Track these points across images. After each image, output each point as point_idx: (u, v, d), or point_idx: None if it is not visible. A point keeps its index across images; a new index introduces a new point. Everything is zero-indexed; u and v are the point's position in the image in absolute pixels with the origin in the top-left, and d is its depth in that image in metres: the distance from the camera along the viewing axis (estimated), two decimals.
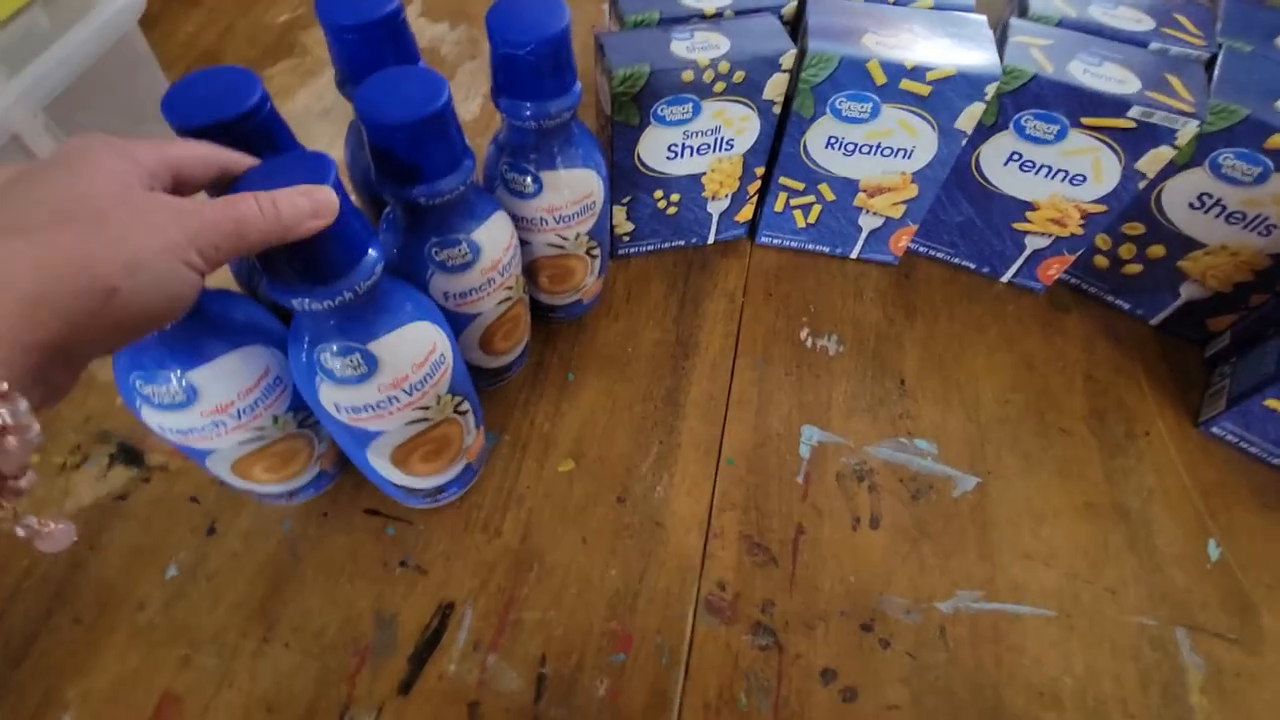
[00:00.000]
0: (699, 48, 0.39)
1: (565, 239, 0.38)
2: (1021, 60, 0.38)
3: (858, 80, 0.39)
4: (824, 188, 0.46)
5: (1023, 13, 0.42)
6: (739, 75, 0.39)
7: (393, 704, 0.33)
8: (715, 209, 0.48)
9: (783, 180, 0.46)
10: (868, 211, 0.47)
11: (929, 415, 0.43)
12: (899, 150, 0.42)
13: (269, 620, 0.35)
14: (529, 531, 0.38)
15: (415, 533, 0.38)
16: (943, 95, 0.39)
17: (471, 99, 0.60)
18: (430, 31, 0.66)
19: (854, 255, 0.51)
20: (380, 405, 0.29)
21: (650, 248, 0.50)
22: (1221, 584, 0.37)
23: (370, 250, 0.25)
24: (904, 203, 0.46)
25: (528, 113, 0.32)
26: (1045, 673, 0.34)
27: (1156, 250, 0.44)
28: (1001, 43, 0.40)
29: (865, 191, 0.45)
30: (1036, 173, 0.42)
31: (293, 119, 0.55)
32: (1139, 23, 0.41)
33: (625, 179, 0.44)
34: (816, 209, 0.47)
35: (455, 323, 0.31)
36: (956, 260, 0.50)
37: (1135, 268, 0.45)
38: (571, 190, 0.36)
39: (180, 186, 0.22)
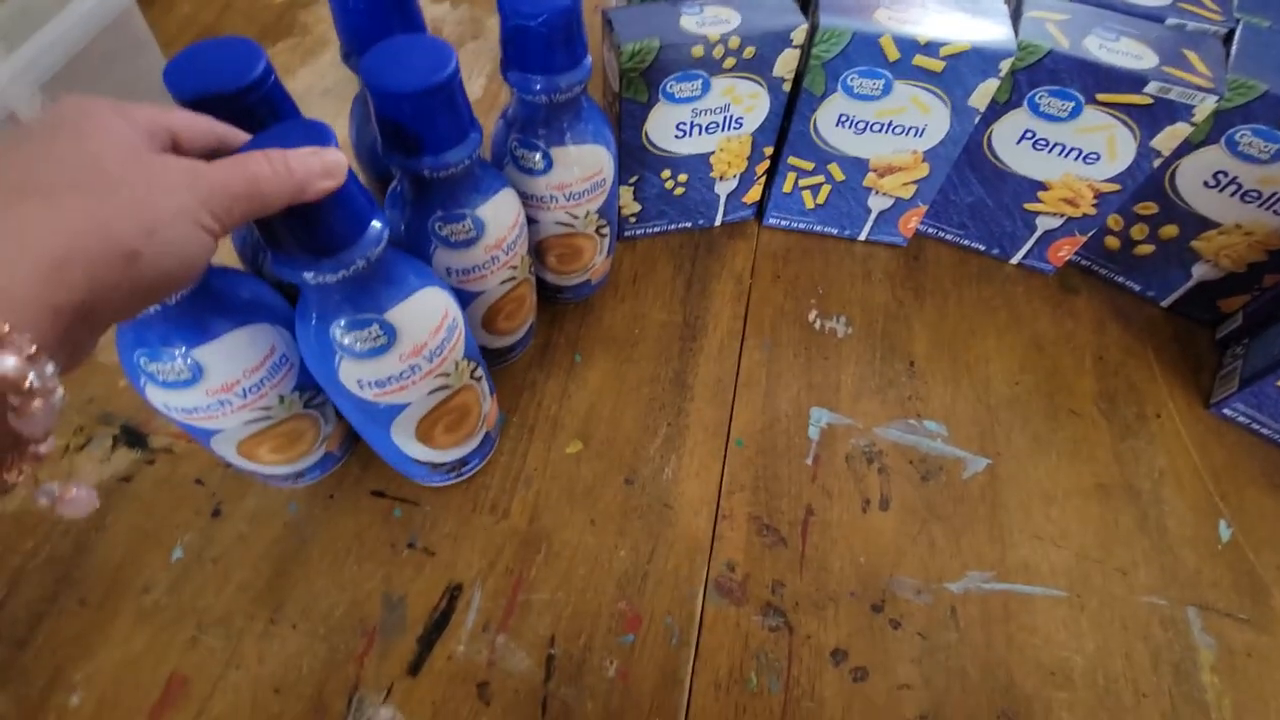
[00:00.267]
0: (709, 22, 0.38)
1: (575, 217, 0.38)
2: (1037, 35, 0.38)
3: (870, 56, 0.38)
4: (833, 168, 0.45)
5: None
6: (749, 51, 0.38)
7: (401, 685, 0.33)
8: (723, 190, 0.47)
9: (792, 160, 0.46)
10: (877, 192, 0.46)
11: (938, 397, 0.43)
12: (911, 128, 0.42)
13: (276, 602, 0.35)
14: (537, 513, 0.38)
15: (422, 514, 0.37)
16: (956, 71, 0.38)
17: (475, 79, 0.59)
18: (432, 11, 0.65)
19: (863, 237, 0.50)
20: (404, 375, 0.28)
21: (657, 229, 0.49)
22: (1233, 564, 0.37)
23: (376, 219, 0.25)
24: (915, 183, 0.45)
25: (538, 87, 0.32)
26: (1056, 652, 0.34)
27: (1169, 230, 0.43)
28: (1016, 17, 0.39)
29: (875, 171, 0.45)
30: (1050, 151, 0.41)
31: (294, 98, 0.54)
32: None
33: (632, 158, 0.43)
34: (825, 189, 0.47)
35: (459, 300, 0.30)
36: (966, 242, 0.50)
37: (1147, 248, 0.45)
38: (581, 167, 0.35)
39: (179, 153, 0.22)
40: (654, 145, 0.43)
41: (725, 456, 0.40)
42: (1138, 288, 0.47)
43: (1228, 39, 0.38)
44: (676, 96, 0.40)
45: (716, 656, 0.34)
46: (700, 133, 0.42)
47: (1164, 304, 0.47)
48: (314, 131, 0.23)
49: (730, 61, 0.39)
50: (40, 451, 0.18)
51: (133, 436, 0.39)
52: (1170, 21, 0.39)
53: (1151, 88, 0.36)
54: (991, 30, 0.38)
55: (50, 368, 0.16)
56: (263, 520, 0.37)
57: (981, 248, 0.49)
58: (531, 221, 0.38)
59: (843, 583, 0.36)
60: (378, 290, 0.27)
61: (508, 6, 0.29)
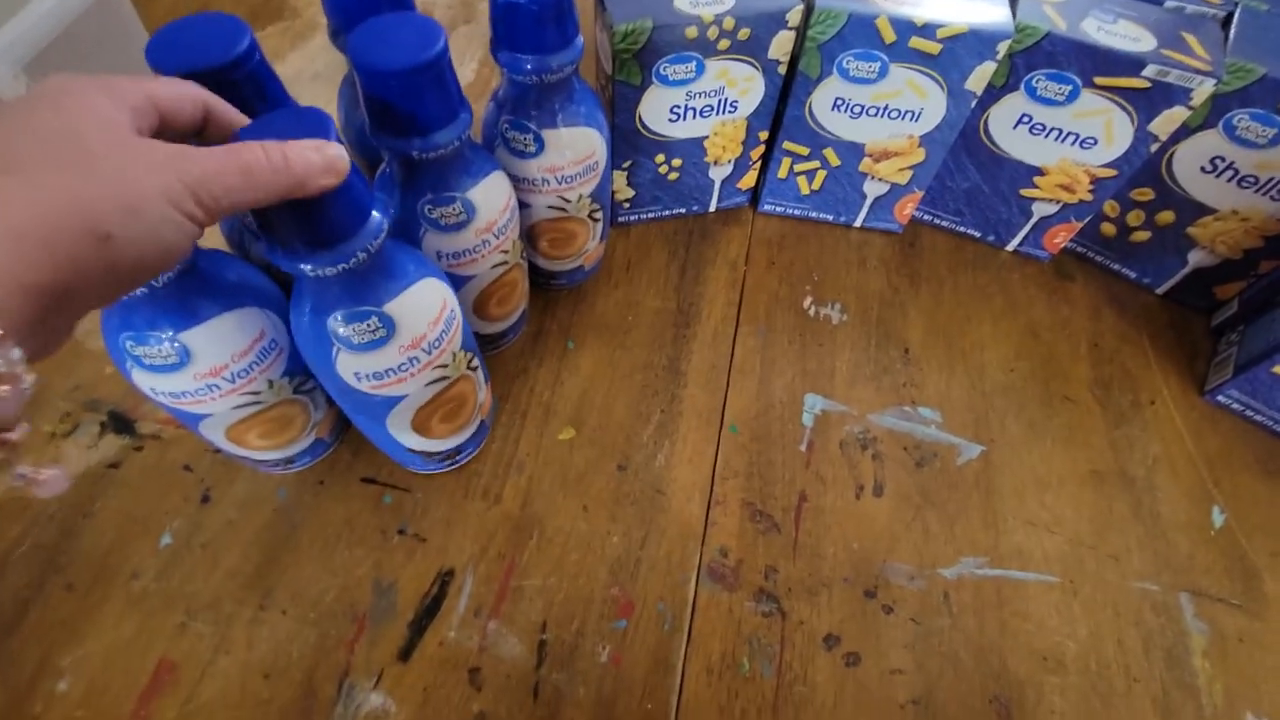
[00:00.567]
0: (703, 3, 0.37)
1: (567, 201, 0.37)
2: (1034, 17, 0.37)
3: (866, 38, 0.38)
4: (829, 152, 0.45)
5: None
6: (744, 32, 0.38)
7: (392, 670, 0.32)
8: (717, 175, 0.47)
9: (787, 145, 0.45)
10: (873, 177, 0.46)
11: (933, 383, 0.43)
12: (907, 112, 0.41)
13: (266, 588, 0.34)
14: (529, 499, 0.37)
15: (413, 500, 0.37)
16: (953, 54, 0.38)
17: (466, 63, 0.59)
18: None
19: (858, 224, 0.50)
20: (402, 368, 0.28)
21: (651, 215, 0.49)
22: (1225, 550, 0.37)
23: (375, 210, 0.25)
24: (910, 168, 0.45)
25: (528, 67, 0.31)
26: (1049, 638, 0.34)
27: (1165, 217, 0.43)
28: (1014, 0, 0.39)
29: (871, 156, 0.44)
30: (1046, 136, 0.41)
31: (285, 82, 0.53)
32: None
33: (626, 142, 0.43)
34: (821, 175, 0.47)
35: (449, 284, 0.30)
36: (962, 229, 0.49)
37: (1143, 235, 0.45)
38: (573, 149, 0.35)
39: (166, 127, 0.21)
40: (648, 129, 0.42)
41: (719, 443, 0.40)
42: (1133, 274, 0.47)
43: (1226, 22, 0.38)
44: (670, 79, 0.39)
45: (709, 642, 0.34)
46: (695, 116, 0.42)
47: (1159, 291, 0.47)
48: (313, 121, 0.22)
49: (725, 43, 0.38)
50: (12, 438, 0.17)
51: (120, 423, 0.39)
52: (1169, 4, 0.39)
53: (1149, 71, 0.36)
54: (989, 12, 0.37)
55: (17, 353, 0.16)
56: (252, 506, 0.37)
57: (977, 234, 0.49)
58: (523, 205, 0.37)
59: (836, 568, 0.36)
60: (376, 282, 0.26)
61: None
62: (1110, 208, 0.45)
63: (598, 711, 0.32)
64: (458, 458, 0.37)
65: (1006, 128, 0.42)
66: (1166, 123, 0.38)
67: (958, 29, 0.37)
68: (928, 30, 0.37)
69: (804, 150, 0.45)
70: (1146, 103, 0.38)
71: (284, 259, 0.23)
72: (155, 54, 0.24)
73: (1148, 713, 0.33)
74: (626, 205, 0.47)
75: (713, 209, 0.50)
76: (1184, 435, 0.41)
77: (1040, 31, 0.37)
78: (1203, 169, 0.40)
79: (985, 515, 0.38)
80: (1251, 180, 0.39)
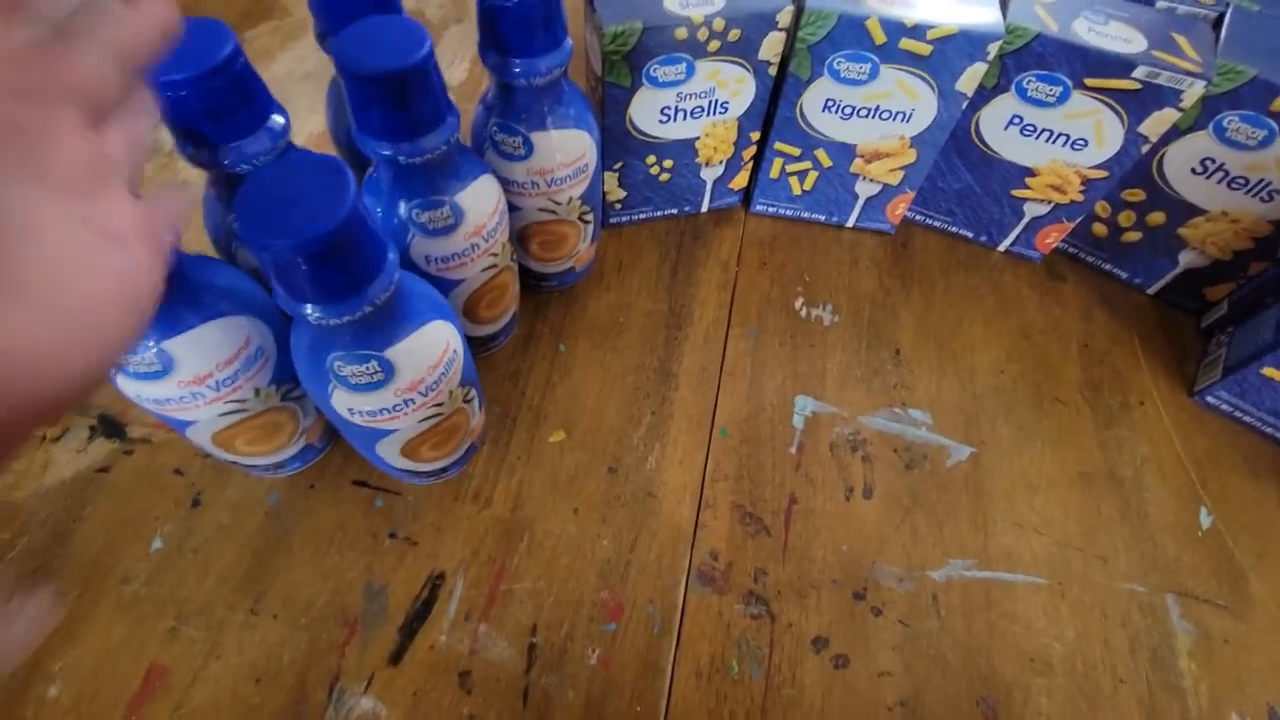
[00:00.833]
0: (693, 4, 0.37)
1: (557, 203, 0.37)
2: (1025, 18, 0.37)
3: (856, 39, 0.38)
4: (820, 153, 0.45)
5: None
6: (734, 33, 0.38)
7: (383, 674, 0.32)
8: (709, 175, 0.47)
9: (778, 145, 0.45)
10: (865, 178, 0.46)
11: (924, 385, 0.43)
12: (898, 113, 0.41)
13: (257, 592, 0.34)
14: (519, 502, 0.38)
15: (404, 504, 0.37)
16: (943, 55, 0.38)
17: (458, 64, 0.58)
18: None
19: (850, 224, 0.50)
20: (396, 408, 0.28)
21: (643, 216, 0.49)
22: (1212, 551, 0.37)
23: (389, 257, 0.24)
24: (902, 169, 0.45)
25: (517, 70, 0.31)
26: (1036, 639, 0.35)
27: (1156, 218, 0.43)
28: (1004, 0, 0.39)
29: (862, 157, 0.44)
30: (1037, 137, 0.41)
31: (274, 83, 0.53)
32: None
33: (617, 144, 0.43)
34: (813, 175, 0.46)
35: (438, 289, 0.30)
36: (954, 229, 0.49)
37: (1134, 235, 0.45)
38: (563, 152, 0.35)
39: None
40: (638, 130, 0.42)
41: (709, 445, 0.40)
42: (1124, 275, 0.47)
43: (1218, 23, 0.38)
44: (660, 80, 0.39)
45: (698, 644, 0.34)
46: (685, 117, 0.42)
47: (1150, 291, 0.47)
48: (328, 172, 0.22)
49: (715, 44, 0.38)
50: None
51: (110, 426, 0.39)
52: (1160, 5, 0.39)
53: (1140, 72, 0.36)
54: (979, 13, 0.37)
55: None
56: (243, 510, 0.37)
57: (969, 235, 0.49)
58: (513, 208, 0.37)
59: (825, 571, 0.36)
60: (382, 327, 0.26)
61: None
62: (1101, 208, 0.45)
63: (587, 714, 0.32)
64: (442, 475, 0.37)
65: (997, 129, 0.42)
66: (1157, 124, 0.38)
67: (948, 30, 0.37)
68: (918, 31, 0.37)
69: (795, 151, 0.45)
70: (1137, 104, 0.37)
71: (286, 302, 0.23)
72: None
73: (1133, 714, 0.33)
74: (618, 206, 0.47)
75: (705, 209, 0.50)
76: (1173, 436, 0.41)
77: (1031, 33, 0.37)
78: (1193, 170, 0.40)
79: (974, 517, 0.38)
80: (1241, 182, 0.39)
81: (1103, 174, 0.41)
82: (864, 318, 0.45)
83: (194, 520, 0.36)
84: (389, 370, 0.27)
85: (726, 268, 0.47)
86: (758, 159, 0.47)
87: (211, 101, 0.25)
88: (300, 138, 0.51)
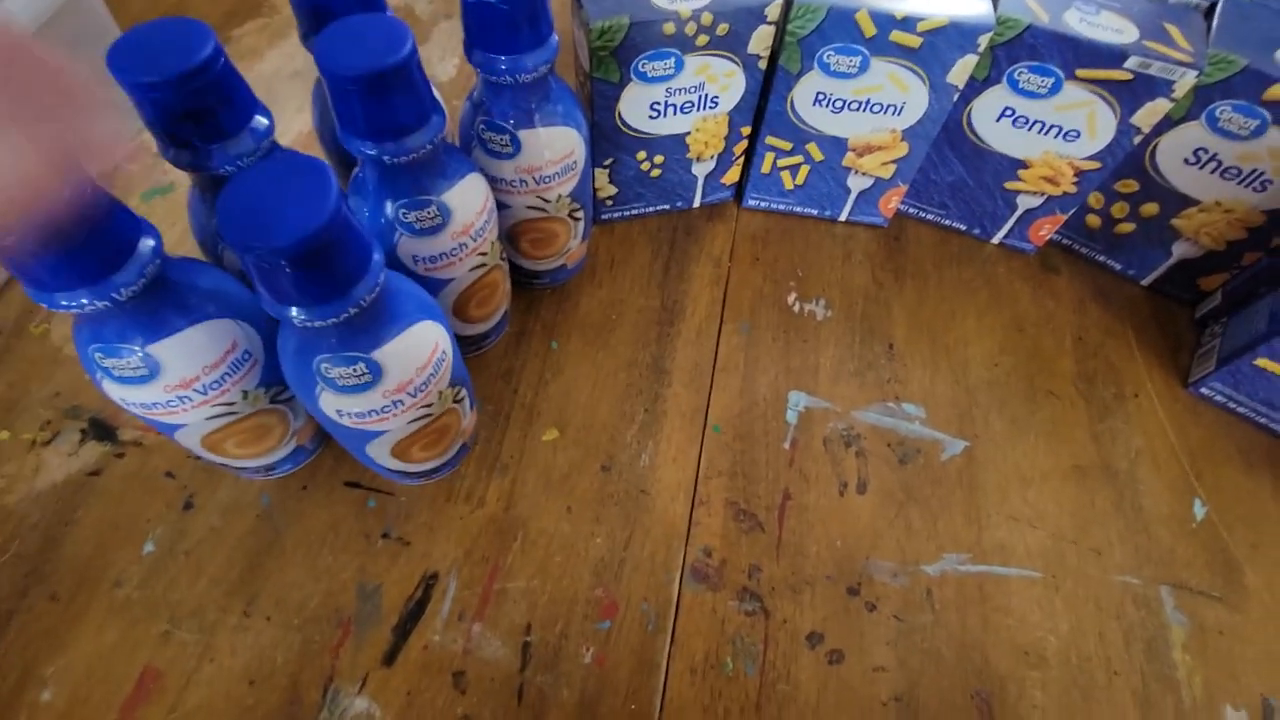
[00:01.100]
0: None
1: (546, 201, 0.37)
2: (1016, 9, 0.37)
3: (846, 32, 0.38)
4: (812, 147, 0.45)
5: None
6: (722, 27, 0.37)
7: (377, 674, 0.32)
8: (700, 171, 0.47)
9: (769, 140, 0.45)
10: (857, 172, 0.46)
11: (917, 379, 0.43)
12: (889, 107, 0.41)
13: (250, 594, 0.34)
14: (513, 501, 0.37)
15: (397, 504, 0.37)
16: (934, 47, 0.37)
17: (447, 60, 0.58)
18: None
19: (843, 218, 0.49)
20: (385, 409, 0.28)
21: (634, 212, 0.49)
22: (1206, 543, 0.37)
23: (375, 258, 0.24)
24: (894, 162, 0.44)
25: (503, 67, 0.31)
26: (1030, 633, 0.35)
27: (1150, 208, 0.43)
28: None
29: (854, 151, 0.44)
30: (1029, 129, 0.41)
31: (262, 81, 0.52)
32: None
33: (606, 140, 0.42)
34: (804, 170, 0.46)
35: (426, 288, 0.30)
36: (947, 222, 0.49)
37: (1128, 227, 0.45)
38: (551, 149, 0.35)
39: None
40: (628, 126, 0.42)
41: (702, 442, 0.40)
42: (1118, 266, 0.47)
43: (1209, 13, 0.38)
44: (649, 76, 0.39)
45: (693, 641, 0.34)
46: (675, 113, 0.42)
47: (1144, 283, 0.47)
48: (310, 173, 0.21)
49: (703, 39, 0.38)
50: None
51: (101, 430, 0.39)
52: None
53: (1131, 63, 0.36)
54: (970, 5, 0.37)
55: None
56: (235, 512, 0.37)
57: (963, 227, 0.49)
58: (502, 206, 0.37)
59: (819, 566, 0.36)
60: (368, 329, 0.26)
61: None
62: (1095, 200, 0.45)
63: (582, 713, 0.32)
64: (433, 475, 0.37)
65: (989, 121, 0.41)
66: (1149, 115, 0.38)
67: (938, 22, 0.36)
68: (908, 23, 0.37)
69: (787, 145, 0.45)
70: (1129, 95, 0.37)
71: (270, 305, 0.23)
72: (116, 63, 0.24)
73: (1128, 705, 0.33)
74: (609, 203, 0.47)
75: (697, 204, 0.50)
76: (1167, 428, 0.41)
77: (1022, 24, 0.37)
78: (1186, 161, 0.40)
79: (968, 511, 0.38)
80: (1234, 172, 0.39)
81: (1095, 165, 0.41)
82: (857, 312, 0.45)
83: (186, 523, 0.36)
84: (377, 372, 0.26)
85: (719, 263, 0.47)
86: (749, 154, 0.47)
87: (192, 103, 0.25)
88: (288, 137, 0.51)
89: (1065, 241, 0.48)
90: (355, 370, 0.26)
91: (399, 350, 0.27)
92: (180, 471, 0.38)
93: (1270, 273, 0.41)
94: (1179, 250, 0.44)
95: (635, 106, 0.41)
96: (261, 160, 0.27)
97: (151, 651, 0.33)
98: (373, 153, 0.27)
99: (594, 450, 0.39)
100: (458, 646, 0.33)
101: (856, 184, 0.46)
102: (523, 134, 0.34)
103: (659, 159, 0.45)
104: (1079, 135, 0.40)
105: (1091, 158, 0.41)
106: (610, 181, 0.45)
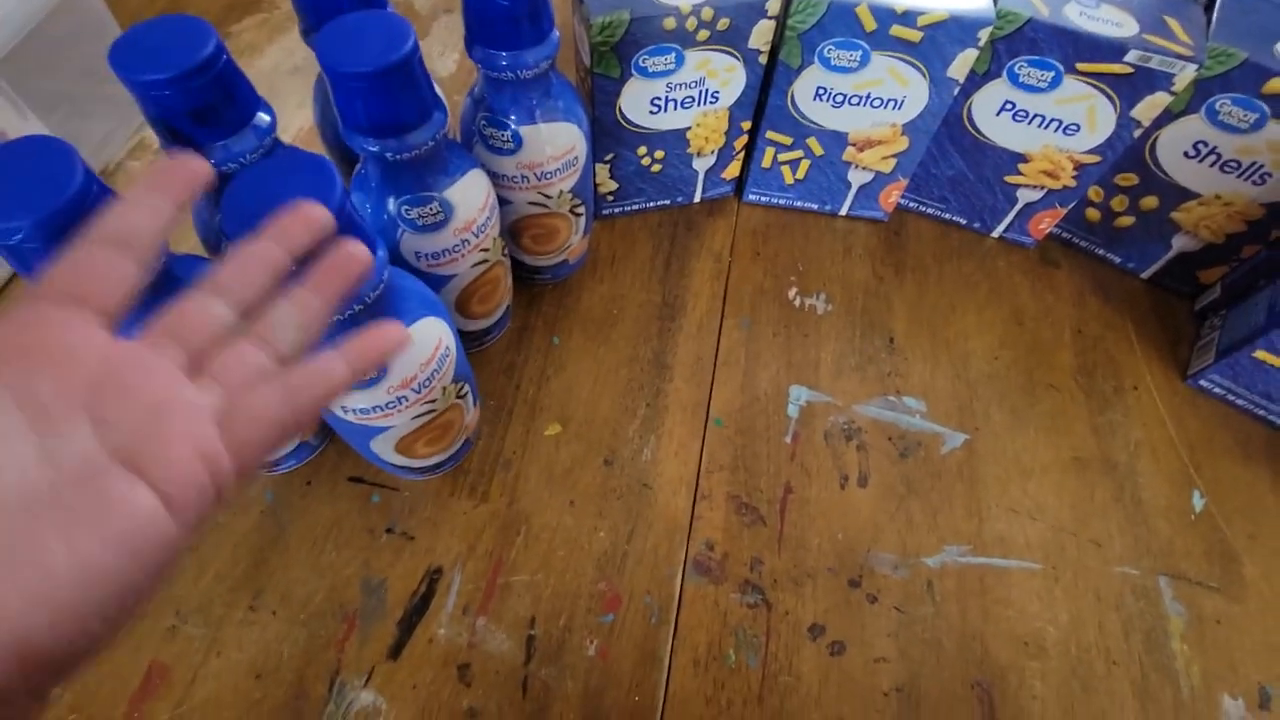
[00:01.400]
0: None
1: (548, 197, 0.37)
2: (1016, 3, 0.37)
3: (847, 26, 0.38)
4: (812, 142, 0.45)
5: None
6: (723, 22, 0.37)
7: (382, 668, 0.33)
8: (701, 166, 0.47)
9: (770, 134, 0.45)
10: (857, 166, 0.46)
11: (918, 373, 0.43)
12: (889, 101, 0.41)
13: (255, 589, 0.35)
14: (516, 495, 0.38)
15: (401, 499, 0.37)
16: (934, 41, 0.37)
17: (448, 55, 0.58)
18: None
19: (843, 212, 0.50)
20: (389, 405, 0.28)
21: (635, 207, 0.49)
22: (1205, 534, 0.38)
23: (378, 255, 0.24)
24: (894, 156, 0.45)
25: (504, 63, 0.31)
26: (1030, 624, 0.35)
27: (1149, 202, 0.43)
28: None
29: (855, 145, 0.44)
30: (1029, 123, 0.41)
31: (262, 77, 0.52)
32: None
33: (607, 135, 0.42)
34: (805, 164, 0.46)
35: (428, 284, 0.30)
36: (947, 216, 0.49)
37: (1127, 220, 0.45)
38: (552, 145, 0.35)
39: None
40: (629, 121, 0.42)
41: (704, 436, 0.40)
42: (1118, 260, 0.47)
43: (1209, 6, 0.38)
44: (649, 71, 0.39)
45: (695, 634, 0.34)
46: (676, 108, 0.42)
47: (1144, 276, 0.47)
48: (314, 171, 0.21)
49: (704, 34, 0.38)
50: None
51: None
52: None
53: (1131, 56, 0.36)
54: None
55: None
56: (240, 508, 0.37)
57: (963, 221, 0.49)
58: (504, 202, 0.37)
59: (820, 559, 0.36)
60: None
61: None
62: (1095, 193, 0.45)
63: (586, 705, 0.32)
64: (437, 470, 0.37)
65: (990, 115, 0.41)
66: (1149, 108, 0.38)
67: (938, 16, 0.36)
68: (908, 18, 0.37)
69: (787, 140, 0.45)
70: (1129, 88, 0.37)
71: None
72: (118, 61, 0.24)
73: (1126, 695, 0.33)
74: (610, 198, 0.47)
75: (697, 199, 0.50)
76: (1166, 420, 0.42)
77: (1022, 18, 0.37)
78: (1186, 154, 0.40)
79: (968, 504, 0.38)
80: (1234, 165, 0.39)
81: (1095, 159, 0.41)
82: (857, 306, 0.45)
83: None
84: (381, 368, 0.27)
85: (720, 258, 0.47)
86: (749, 148, 0.47)
87: (194, 100, 0.25)
88: (290, 133, 0.51)
89: (1065, 235, 0.48)
90: None
91: None
92: None
93: (1269, 265, 0.41)
94: (1178, 243, 0.44)
95: (636, 102, 0.41)
96: (264, 157, 0.28)
97: (158, 646, 0.33)
98: (375, 149, 0.28)
99: (596, 445, 0.39)
100: (462, 640, 0.34)
101: (857, 178, 0.47)
102: (524, 130, 0.34)
103: (660, 154, 0.45)
104: (1079, 129, 0.40)
105: (1091, 151, 0.41)
106: (611, 177, 0.45)
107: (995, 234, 0.49)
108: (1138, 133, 0.39)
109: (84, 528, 0.14)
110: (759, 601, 0.35)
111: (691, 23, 0.37)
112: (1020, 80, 0.39)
